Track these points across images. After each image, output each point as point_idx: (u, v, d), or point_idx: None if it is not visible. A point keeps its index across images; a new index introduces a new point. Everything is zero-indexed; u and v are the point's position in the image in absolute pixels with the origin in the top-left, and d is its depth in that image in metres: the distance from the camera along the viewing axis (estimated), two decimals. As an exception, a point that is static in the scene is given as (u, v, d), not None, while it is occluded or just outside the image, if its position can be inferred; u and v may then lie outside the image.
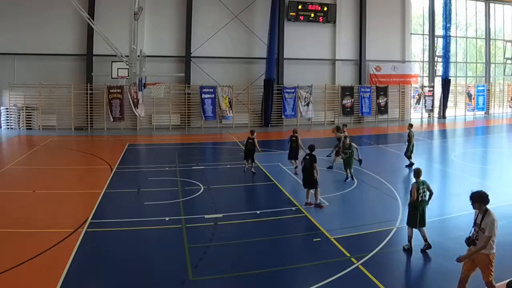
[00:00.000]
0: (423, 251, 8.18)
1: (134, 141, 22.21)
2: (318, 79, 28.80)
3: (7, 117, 24.51)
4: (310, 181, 11.01)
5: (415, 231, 8.28)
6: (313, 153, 11.10)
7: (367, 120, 30.24)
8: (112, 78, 23.55)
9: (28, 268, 7.42)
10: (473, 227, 6.25)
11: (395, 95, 31.09)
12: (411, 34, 32.04)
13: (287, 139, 15.15)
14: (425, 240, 8.24)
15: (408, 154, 15.61)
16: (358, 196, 12.44)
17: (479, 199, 6.17)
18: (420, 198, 8.23)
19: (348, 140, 14.27)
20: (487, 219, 6.07)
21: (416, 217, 8.19)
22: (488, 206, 6.19)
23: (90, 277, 7.29)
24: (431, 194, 8.36)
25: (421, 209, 8.20)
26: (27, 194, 12.14)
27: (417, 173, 8.45)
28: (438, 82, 32.79)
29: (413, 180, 8.55)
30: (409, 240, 8.27)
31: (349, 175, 13.67)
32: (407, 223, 8.41)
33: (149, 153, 20.34)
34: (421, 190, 8.25)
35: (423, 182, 8.35)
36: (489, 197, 6.18)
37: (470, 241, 6.22)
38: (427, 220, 8.35)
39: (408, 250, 8.22)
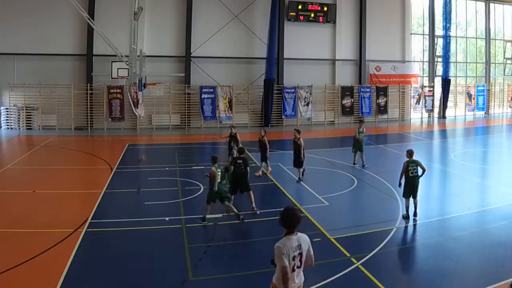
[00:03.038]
0: (414, 220, 9.81)
1: (134, 141, 22.19)
2: (318, 79, 28.78)
3: (7, 117, 24.48)
4: (245, 185, 10.66)
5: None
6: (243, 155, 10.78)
7: (367, 120, 29.94)
8: (112, 78, 23.56)
9: (28, 268, 7.42)
10: None
11: (395, 95, 31.07)
12: (411, 34, 32.00)
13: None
14: (415, 208, 9.88)
15: (299, 165, 13.49)
16: (358, 196, 12.46)
17: (282, 219, 4.86)
18: (410, 174, 9.77)
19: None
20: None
21: (409, 190, 9.82)
22: (296, 232, 4.91)
23: (90, 277, 7.29)
24: (424, 170, 9.76)
25: (413, 183, 9.78)
26: (27, 194, 12.13)
27: (410, 153, 9.99)
28: (438, 82, 32.76)
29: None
30: (407, 210, 9.95)
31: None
32: (404, 195, 10.03)
33: (149, 153, 20.27)
34: (411, 168, 9.80)
35: (413, 161, 9.86)
36: (299, 221, 4.86)
37: (272, 261, 5.18)
38: (418, 193, 9.93)
39: (406, 218, 9.86)
